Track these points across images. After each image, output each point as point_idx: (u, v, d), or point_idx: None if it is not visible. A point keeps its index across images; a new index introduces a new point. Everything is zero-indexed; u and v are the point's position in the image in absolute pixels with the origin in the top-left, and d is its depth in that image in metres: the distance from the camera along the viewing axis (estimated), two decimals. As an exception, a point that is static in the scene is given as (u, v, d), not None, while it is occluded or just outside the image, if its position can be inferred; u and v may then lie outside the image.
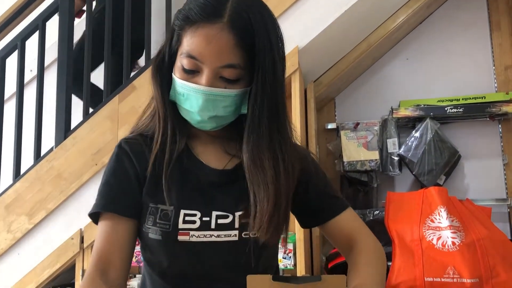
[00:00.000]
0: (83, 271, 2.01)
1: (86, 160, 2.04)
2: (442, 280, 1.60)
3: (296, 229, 1.89)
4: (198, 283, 0.91)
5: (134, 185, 0.93)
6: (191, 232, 0.89)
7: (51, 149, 2.12)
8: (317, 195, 1.00)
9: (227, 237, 0.91)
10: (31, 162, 2.16)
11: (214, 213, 0.90)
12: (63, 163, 2.07)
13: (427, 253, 1.65)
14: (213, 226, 0.90)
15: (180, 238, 0.89)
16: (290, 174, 0.92)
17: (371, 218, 2.15)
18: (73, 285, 2.04)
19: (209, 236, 0.90)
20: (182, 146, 0.94)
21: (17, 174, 2.17)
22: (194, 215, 0.90)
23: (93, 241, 1.98)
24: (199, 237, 0.90)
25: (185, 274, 0.91)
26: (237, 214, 0.91)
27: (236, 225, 0.91)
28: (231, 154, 0.97)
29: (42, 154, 2.16)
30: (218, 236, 0.90)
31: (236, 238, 0.91)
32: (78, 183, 2.03)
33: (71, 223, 2.03)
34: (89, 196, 2.04)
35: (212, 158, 0.96)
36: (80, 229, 2.02)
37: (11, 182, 2.16)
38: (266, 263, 0.98)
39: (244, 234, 0.91)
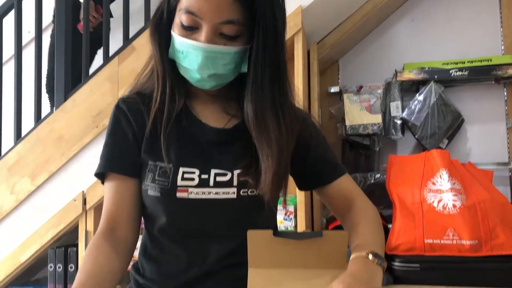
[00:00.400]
0: (86, 232, 2.03)
1: (86, 122, 2.03)
2: (442, 242, 1.61)
3: (297, 191, 1.90)
4: (197, 239, 0.92)
5: (132, 145, 0.93)
6: (190, 189, 0.90)
7: (51, 111, 2.11)
8: (316, 159, 1.00)
9: (225, 194, 0.91)
10: (32, 124, 2.15)
11: (213, 171, 0.90)
12: (64, 126, 2.06)
13: (428, 216, 1.65)
14: (211, 183, 0.90)
15: (179, 195, 0.89)
16: (290, 134, 0.92)
17: (372, 181, 2.15)
18: (76, 245, 2.07)
19: (207, 193, 0.90)
20: (181, 105, 0.93)
21: (18, 136, 2.17)
22: (193, 172, 0.90)
23: (96, 202, 2.00)
24: (198, 194, 0.90)
25: (184, 230, 0.92)
26: (236, 172, 0.91)
27: (235, 183, 0.91)
28: (230, 114, 0.96)
29: (42, 116, 2.15)
30: (217, 193, 0.90)
31: (234, 196, 0.91)
32: (79, 146, 2.03)
33: (73, 185, 2.04)
34: (91, 159, 2.04)
35: (211, 117, 0.96)
36: (83, 191, 2.03)
37: (12, 144, 2.17)
38: (265, 223, 0.98)
39: (243, 192, 0.91)
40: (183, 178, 0.89)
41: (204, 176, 0.90)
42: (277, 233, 0.80)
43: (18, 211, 2.11)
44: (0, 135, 2.25)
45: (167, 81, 0.92)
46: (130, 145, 0.93)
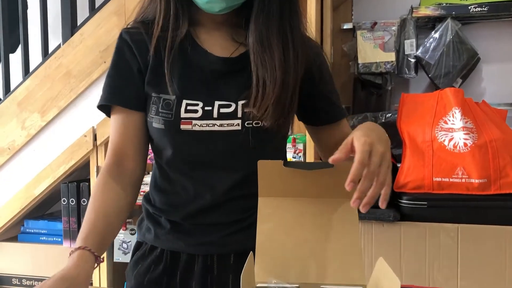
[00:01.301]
0: (98, 167, 2.06)
1: (94, 57, 2.00)
2: (450, 180, 1.61)
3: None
4: (203, 171, 0.92)
5: (136, 76, 0.91)
6: (194, 121, 0.88)
7: (59, 46, 2.08)
8: (323, 96, 0.98)
9: (230, 126, 0.90)
10: (40, 59, 2.13)
11: (217, 103, 0.89)
12: (72, 60, 2.03)
13: (438, 154, 1.64)
14: (215, 115, 0.89)
15: (183, 127, 0.89)
16: (299, 60, 0.89)
17: (383, 120, 2.13)
18: (88, 180, 2.11)
19: (211, 125, 0.89)
20: (184, 31, 0.90)
21: (26, 72, 2.15)
22: (196, 104, 0.88)
23: (106, 138, 2.01)
24: (202, 126, 0.89)
25: (190, 162, 0.92)
26: (240, 103, 0.89)
27: (239, 114, 0.89)
28: (238, 42, 0.92)
29: (49, 51, 2.12)
30: (221, 125, 0.89)
31: (239, 128, 0.89)
32: (88, 81, 2.02)
33: (83, 121, 2.05)
34: (100, 94, 2.02)
35: (217, 46, 0.93)
36: (93, 126, 2.04)
37: (21, 79, 2.15)
38: (272, 156, 0.95)
39: (247, 124, 0.89)
40: (186, 110, 0.88)
41: (208, 108, 0.89)
42: (287, 163, 0.80)
43: (30, 146, 2.13)
44: (8, 70, 2.24)
45: (171, 3, 0.89)
46: (134, 77, 0.91)
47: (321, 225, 0.79)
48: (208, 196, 0.92)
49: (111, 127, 0.94)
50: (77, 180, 2.16)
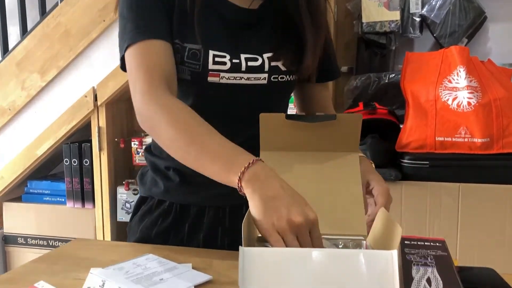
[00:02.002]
0: (99, 128, 2.05)
1: (93, 16, 1.96)
2: (453, 139, 1.61)
3: (309, 90, 1.86)
4: (221, 122, 0.91)
5: (165, 11, 0.85)
6: (222, 74, 0.87)
7: (56, 4, 2.03)
8: (325, 54, 0.97)
9: (256, 80, 0.90)
10: (37, 18, 2.09)
11: (243, 56, 0.88)
12: (70, 19, 2.00)
13: (441, 114, 1.63)
14: (243, 68, 0.88)
15: (210, 79, 0.88)
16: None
17: (386, 81, 2.11)
18: (90, 141, 2.10)
19: (239, 78, 0.89)
20: None
21: (24, 31, 2.12)
22: (224, 56, 0.87)
23: (106, 99, 2.00)
24: (229, 79, 0.88)
25: (210, 114, 0.91)
26: (265, 56, 0.89)
27: (266, 68, 0.89)
28: None
29: (47, 9, 2.08)
30: (248, 79, 0.89)
31: (265, 82, 0.90)
32: (87, 41, 1.98)
33: (83, 81, 2.03)
34: (99, 54, 2.00)
35: None
36: (93, 87, 2.02)
37: (19, 39, 2.12)
38: (284, 111, 0.99)
39: (273, 78, 0.90)
40: (214, 62, 0.86)
41: (236, 61, 0.88)
42: (290, 116, 0.79)
43: (31, 107, 2.12)
44: (6, 30, 2.20)
45: None
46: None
47: (323, 178, 0.79)
48: None
49: (136, 62, 0.82)
50: (79, 141, 2.15)
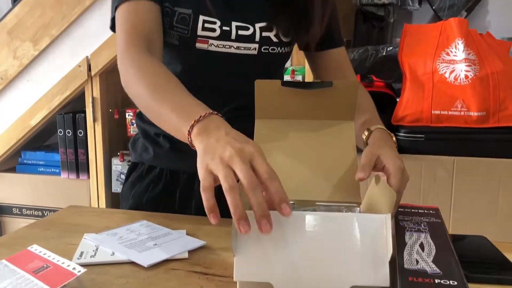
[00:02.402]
0: (93, 98, 2.03)
1: (86, -17, 1.92)
2: (449, 113, 1.60)
3: (306, 62, 1.84)
4: (211, 92, 0.90)
5: None
6: (210, 41, 0.86)
7: (48, -30, 1.98)
8: (328, 22, 0.95)
9: (246, 50, 0.88)
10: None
11: (234, 24, 0.86)
12: (63, -14, 1.95)
13: (438, 87, 1.62)
14: (233, 36, 0.86)
15: (198, 45, 0.86)
16: None
17: (384, 54, 2.09)
18: (84, 112, 2.08)
19: (228, 47, 0.87)
20: None
21: (15, -2, 2.07)
22: (214, 23, 0.85)
23: (100, 69, 1.97)
24: (218, 47, 0.86)
25: (198, 82, 0.90)
26: (258, 25, 0.87)
27: (257, 38, 0.87)
28: None
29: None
30: (238, 48, 0.87)
31: (255, 52, 0.88)
32: (80, 8, 1.94)
33: (77, 50, 2.00)
34: (93, 23, 1.96)
35: None
36: (87, 56, 1.99)
37: (10, 6, 2.08)
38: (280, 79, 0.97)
39: (264, 49, 0.88)
40: (203, 28, 0.85)
41: (226, 28, 0.86)
42: (285, 83, 0.77)
43: (24, 76, 2.09)
44: (-3, -3, 2.15)
45: None
46: None
47: (318, 146, 0.78)
48: None
49: (122, 20, 0.80)
50: (73, 111, 2.13)
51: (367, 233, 0.55)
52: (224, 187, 0.53)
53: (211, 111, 0.64)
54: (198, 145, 0.60)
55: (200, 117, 0.62)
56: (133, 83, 0.74)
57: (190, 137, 0.62)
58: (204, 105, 0.67)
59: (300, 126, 0.79)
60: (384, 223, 0.55)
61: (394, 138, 0.82)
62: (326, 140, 0.78)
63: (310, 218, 0.57)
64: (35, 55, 2.03)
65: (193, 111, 0.64)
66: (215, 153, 0.56)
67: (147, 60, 0.76)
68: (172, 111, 0.67)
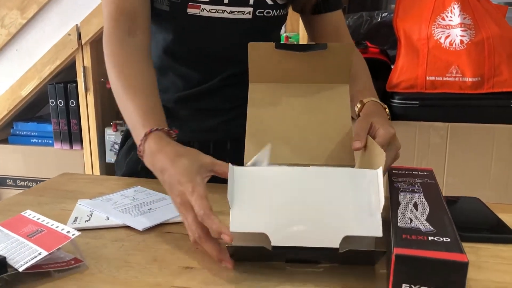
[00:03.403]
0: (84, 68, 2.00)
1: None
2: (444, 79, 1.59)
3: (300, 28, 1.82)
4: (204, 59, 0.89)
5: None
6: (202, 6, 0.83)
7: None
8: None
9: (240, 14, 0.85)
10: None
11: None
12: (49, -49, 1.89)
13: (433, 52, 1.61)
14: (226, 0, 0.83)
15: (190, 11, 0.83)
16: None
17: (379, 20, 2.06)
18: (75, 81, 2.06)
19: (221, 11, 0.84)
20: None
21: (1, -36, 2.01)
22: None
23: (91, 37, 1.93)
24: (210, 12, 0.84)
25: (191, 50, 0.88)
26: None
27: (251, 1, 0.85)
28: None
29: None
30: (231, 12, 0.85)
31: (249, 16, 0.86)
32: (68, -26, 1.89)
33: (66, 18, 1.95)
34: (82, -11, 1.92)
35: None
36: (76, 24, 1.95)
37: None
38: None
39: (259, 13, 0.86)
40: None
41: None
42: (279, 45, 0.76)
43: (12, 46, 2.05)
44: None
45: None
46: None
47: (312, 110, 0.77)
48: (204, 83, 0.90)
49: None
50: (64, 81, 2.11)
51: (359, 186, 0.56)
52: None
53: (150, 128, 0.66)
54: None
55: (141, 141, 0.66)
56: (108, 74, 0.77)
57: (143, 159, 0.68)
58: (151, 114, 0.70)
59: (294, 90, 0.78)
60: (376, 177, 0.56)
61: (387, 110, 0.81)
62: (320, 104, 0.78)
63: (304, 173, 0.58)
64: (23, 23, 1.99)
65: (138, 133, 0.68)
66: (172, 195, 0.62)
67: (123, 52, 0.76)
68: (129, 121, 0.72)
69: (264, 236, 0.54)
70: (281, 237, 0.54)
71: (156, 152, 0.64)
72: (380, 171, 0.57)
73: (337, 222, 0.54)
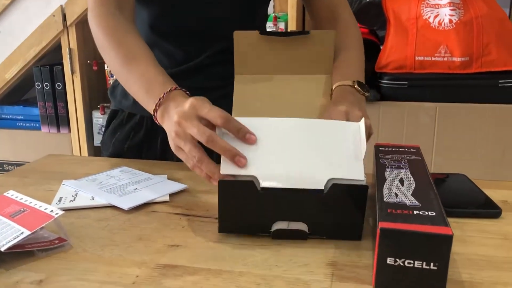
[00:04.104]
0: (70, 50, 1.97)
1: None
2: (433, 59, 1.59)
3: (289, 8, 1.80)
4: (190, 37, 0.87)
5: None
6: None
7: None
8: None
9: None
10: None
11: None
12: None
13: (422, 32, 1.60)
14: None
15: None
16: None
17: (368, 0, 2.05)
18: (61, 64, 2.02)
19: None
20: None
21: None
22: None
23: (76, 18, 1.90)
24: None
25: (177, 27, 0.86)
26: None
27: None
28: None
29: None
30: None
31: None
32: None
33: (50, -1, 1.92)
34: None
35: None
36: (61, 5, 1.91)
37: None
38: (264, 23, 0.96)
39: None
40: None
41: None
42: (263, 32, 0.76)
43: (-4, 27, 2.01)
44: None
45: None
46: None
47: (297, 104, 0.77)
48: (190, 61, 0.88)
49: None
50: (50, 63, 2.07)
51: (344, 136, 0.60)
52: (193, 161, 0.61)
53: (172, 86, 0.66)
54: (165, 129, 0.65)
55: (160, 99, 0.65)
56: (101, 48, 0.76)
57: (157, 121, 0.67)
58: (168, 77, 0.70)
59: (279, 82, 0.78)
60: (358, 128, 0.61)
61: (365, 94, 0.76)
62: (304, 97, 0.77)
63: (292, 123, 0.61)
64: (6, 4, 1.94)
65: (154, 92, 0.67)
66: (171, 132, 0.62)
67: (114, 22, 0.75)
68: (138, 87, 0.70)
69: (251, 184, 0.55)
70: (269, 179, 0.56)
71: (175, 104, 0.64)
72: (362, 123, 0.61)
73: (322, 167, 0.57)
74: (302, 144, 0.59)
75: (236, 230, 0.58)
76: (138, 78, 0.70)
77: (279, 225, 0.57)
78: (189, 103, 0.61)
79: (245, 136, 0.58)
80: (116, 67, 0.74)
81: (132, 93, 0.73)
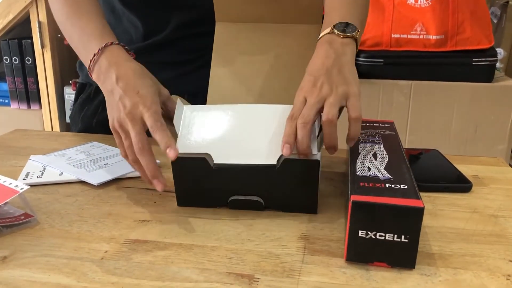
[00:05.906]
0: (40, 23, 1.90)
1: None
2: (409, 36, 1.59)
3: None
4: (159, 7, 0.84)
5: None
6: None
7: None
8: None
9: None
10: None
11: None
12: None
13: (398, 9, 1.60)
14: None
15: None
16: None
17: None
18: (31, 38, 1.95)
19: None
20: None
21: None
22: None
23: (45, -11, 1.82)
24: None
25: (142, 1, 0.83)
26: None
27: None
28: None
29: None
30: None
31: None
32: None
33: (17, -31, 1.83)
34: None
35: None
36: (29, -24, 1.83)
37: None
38: None
39: None
40: None
41: None
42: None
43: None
44: None
45: None
46: None
47: (281, 54, 0.75)
48: (160, 33, 0.86)
49: None
50: (19, 37, 2.00)
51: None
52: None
53: (108, 41, 0.63)
54: (101, 89, 0.63)
55: (95, 55, 0.62)
56: (50, 1, 0.72)
57: (92, 77, 0.64)
58: (108, 31, 0.66)
59: (262, 30, 0.75)
60: None
61: (354, 34, 0.63)
62: (289, 47, 0.75)
63: (245, 108, 0.61)
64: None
65: (90, 47, 0.63)
66: (113, 114, 0.59)
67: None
68: (78, 42, 0.66)
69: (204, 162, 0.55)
70: (222, 156, 0.55)
71: (116, 64, 0.61)
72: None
73: (275, 144, 0.56)
74: (256, 126, 0.58)
75: (194, 204, 0.59)
76: (79, 32, 0.66)
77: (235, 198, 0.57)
78: (140, 98, 0.57)
79: (166, 150, 0.55)
80: (60, 21, 0.70)
81: (74, 49, 0.69)
